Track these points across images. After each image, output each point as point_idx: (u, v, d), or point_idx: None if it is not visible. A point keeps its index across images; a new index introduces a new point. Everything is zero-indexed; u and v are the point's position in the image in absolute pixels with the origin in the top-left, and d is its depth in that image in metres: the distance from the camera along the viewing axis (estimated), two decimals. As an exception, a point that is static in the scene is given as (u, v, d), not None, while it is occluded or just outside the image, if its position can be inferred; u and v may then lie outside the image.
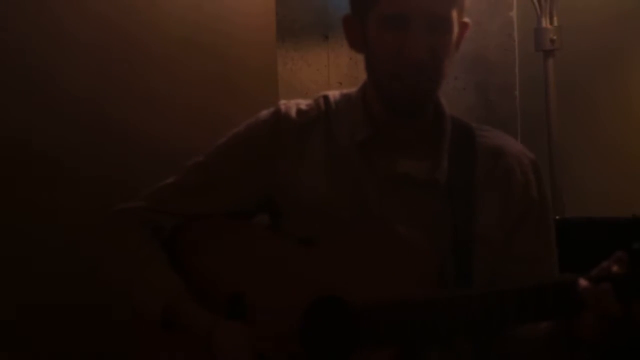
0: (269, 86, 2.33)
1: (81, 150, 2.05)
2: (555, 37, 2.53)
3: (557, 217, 2.34)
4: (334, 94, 1.60)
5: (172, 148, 2.07)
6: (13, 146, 1.98)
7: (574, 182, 2.63)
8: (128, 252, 1.54)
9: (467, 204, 1.49)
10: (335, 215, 1.49)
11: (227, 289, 1.50)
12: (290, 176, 1.53)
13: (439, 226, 1.47)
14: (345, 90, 1.61)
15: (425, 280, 1.39)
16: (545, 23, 2.54)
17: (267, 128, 1.56)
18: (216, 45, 2.23)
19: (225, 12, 2.24)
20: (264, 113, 1.59)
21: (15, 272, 1.98)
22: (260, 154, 1.55)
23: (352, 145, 1.52)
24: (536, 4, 2.55)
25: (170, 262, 1.54)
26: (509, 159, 1.54)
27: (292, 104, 1.58)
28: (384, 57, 1.45)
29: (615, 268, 1.27)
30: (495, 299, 1.32)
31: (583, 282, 1.28)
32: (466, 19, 1.51)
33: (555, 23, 2.54)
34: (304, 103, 1.58)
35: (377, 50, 1.46)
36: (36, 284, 1.99)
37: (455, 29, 1.47)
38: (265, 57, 2.33)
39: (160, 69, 2.16)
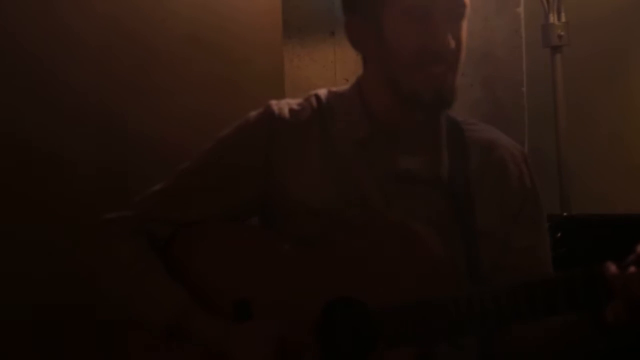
0: (276, 83, 2.32)
1: (85, 149, 2.05)
2: (562, 33, 2.52)
3: (564, 214, 2.35)
4: (323, 92, 1.57)
5: (178, 147, 2.06)
6: (17, 145, 1.98)
7: (582, 178, 2.62)
8: (124, 264, 1.50)
9: (467, 199, 1.49)
10: (336, 215, 1.47)
11: (231, 295, 1.46)
12: (287, 178, 1.51)
13: (445, 222, 1.47)
14: (334, 88, 1.59)
15: (441, 277, 1.38)
16: (552, 19, 2.53)
17: (261, 129, 1.53)
18: (222, 43, 2.22)
19: (231, 10, 2.23)
20: (254, 114, 1.55)
21: (18, 272, 1.97)
22: (255, 157, 1.52)
23: (351, 144, 1.50)
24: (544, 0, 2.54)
25: (168, 271, 1.49)
26: (501, 151, 1.54)
27: (284, 104, 1.55)
28: (408, 52, 1.44)
29: None
30: (524, 294, 1.31)
31: (612, 268, 1.27)
32: None
33: (563, 19, 2.53)
34: (294, 102, 1.56)
35: (399, 46, 1.44)
36: (39, 285, 1.99)
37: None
38: (272, 54, 2.32)
39: (166, 67, 2.15)
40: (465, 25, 1.46)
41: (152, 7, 2.13)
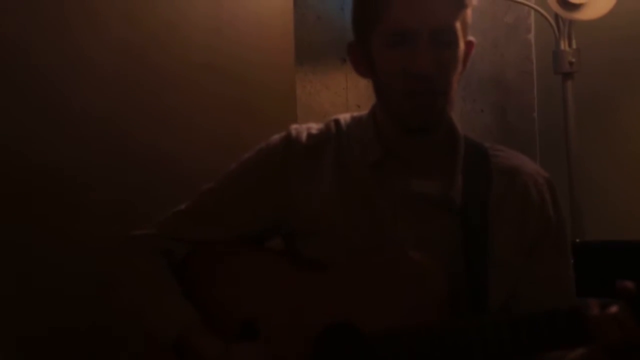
0: (288, 109, 2.33)
1: (102, 174, 2.05)
2: (573, 60, 2.53)
3: (577, 240, 2.34)
4: (345, 117, 1.59)
5: (193, 171, 2.07)
6: (34, 170, 1.99)
7: (594, 204, 2.61)
8: (141, 280, 1.54)
9: (482, 225, 1.47)
10: (347, 239, 1.47)
11: (238, 315, 1.48)
12: (302, 200, 1.52)
13: (453, 248, 1.46)
14: (356, 114, 1.60)
15: (438, 305, 1.38)
16: (563, 45, 2.55)
17: (278, 152, 1.55)
18: (235, 70, 2.23)
19: (244, 37, 2.24)
20: (275, 137, 1.58)
21: (36, 296, 1.98)
22: (272, 179, 1.54)
23: (365, 167, 1.51)
24: (554, 26, 2.55)
25: (181, 290, 1.52)
26: (524, 178, 1.52)
27: (303, 128, 1.57)
28: (392, 76, 1.44)
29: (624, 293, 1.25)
30: (508, 326, 1.31)
31: (594, 309, 1.26)
32: (471, 38, 1.49)
33: (574, 45, 2.54)
34: (315, 127, 1.57)
35: (384, 71, 1.45)
36: (58, 308, 1.99)
37: (461, 44, 1.45)
38: (284, 81, 2.33)
39: (180, 94, 2.16)
40: (455, 52, 1.44)
41: (166, 34, 2.15)
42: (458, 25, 1.44)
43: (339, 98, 2.59)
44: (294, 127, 1.58)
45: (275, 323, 1.46)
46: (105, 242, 1.64)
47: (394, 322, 1.37)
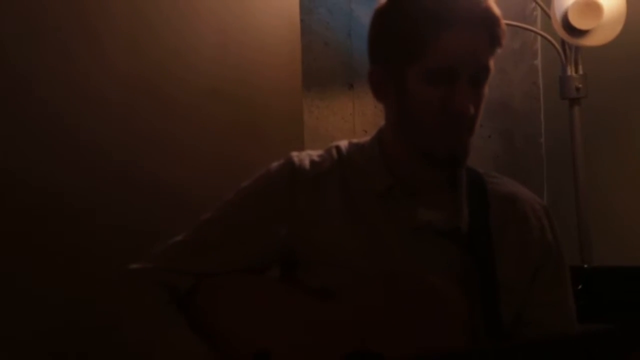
0: (296, 134, 2.33)
1: (109, 203, 2.05)
2: (580, 85, 2.54)
3: (585, 266, 2.33)
4: (344, 143, 1.58)
5: (201, 198, 2.06)
6: (39, 199, 1.99)
7: (602, 229, 2.60)
8: (146, 315, 1.50)
9: (487, 252, 1.48)
10: (356, 267, 1.46)
11: (249, 347, 1.41)
12: (307, 229, 1.50)
13: (464, 275, 1.46)
14: (354, 140, 1.59)
15: (456, 330, 1.37)
16: (570, 71, 2.55)
17: (282, 181, 1.53)
18: (243, 96, 2.24)
19: (252, 63, 2.25)
20: (275, 165, 1.55)
21: (40, 325, 1.97)
22: (276, 207, 1.52)
23: (371, 196, 1.50)
24: (561, 52, 2.55)
25: (188, 324, 1.48)
26: (522, 205, 1.53)
27: (305, 156, 1.55)
28: (428, 112, 1.43)
29: None
30: (553, 349, 1.30)
31: None
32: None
33: (581, 71, 2.55)
34: (315, 154, 1.56)
35: (419, 105, 1.44)
36: (61, 338, 1.98)
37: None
38: (291, 106, 2.34)
39: (187, 121, 2.17)
40: (486, 89, 1.46)
41: (173, 63, 2.15)
42: (491, 63, 1.46)
43: (346, 123, 2.60)
44: (294, 155, 1.55)
45: (292, 354, 1.43)
46: (111, 273, 1.63)
47: (414, 348, 1.35)
